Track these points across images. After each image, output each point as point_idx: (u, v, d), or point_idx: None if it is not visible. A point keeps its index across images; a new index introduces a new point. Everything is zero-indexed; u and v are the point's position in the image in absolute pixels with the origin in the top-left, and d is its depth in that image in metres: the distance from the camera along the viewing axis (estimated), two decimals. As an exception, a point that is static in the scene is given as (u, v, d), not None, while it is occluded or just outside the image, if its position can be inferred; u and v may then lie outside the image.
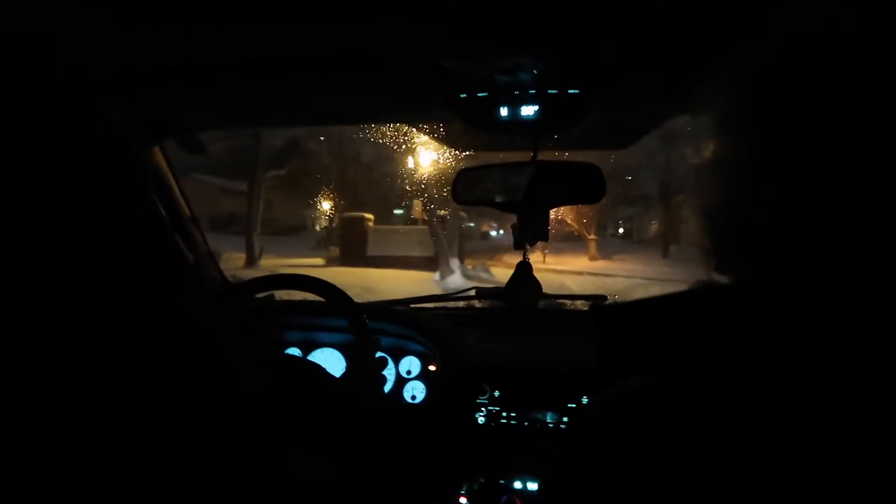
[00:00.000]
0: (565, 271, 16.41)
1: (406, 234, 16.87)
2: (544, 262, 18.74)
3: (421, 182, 13.51)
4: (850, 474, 0.36)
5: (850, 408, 0.38)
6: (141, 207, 0.68)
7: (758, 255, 0.45)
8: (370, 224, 16.71)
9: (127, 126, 0.69)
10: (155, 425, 0.60)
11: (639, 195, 23.96)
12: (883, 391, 0.37)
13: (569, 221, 23.55)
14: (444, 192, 12.39)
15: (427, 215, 14.24)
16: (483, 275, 14.19)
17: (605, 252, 23.04)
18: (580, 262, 20.16)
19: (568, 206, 18.18)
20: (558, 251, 20.45)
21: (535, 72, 1.10)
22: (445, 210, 14.16)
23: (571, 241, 23.61)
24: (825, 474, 0.37)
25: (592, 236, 23.62)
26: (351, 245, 16.24)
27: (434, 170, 13.07)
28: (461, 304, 1.89)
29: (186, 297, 0.74)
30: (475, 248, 25.01)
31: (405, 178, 14.67)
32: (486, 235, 30.65)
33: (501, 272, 14.74)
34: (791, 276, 0.42)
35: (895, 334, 0.38)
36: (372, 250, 16.07)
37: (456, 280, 12.03)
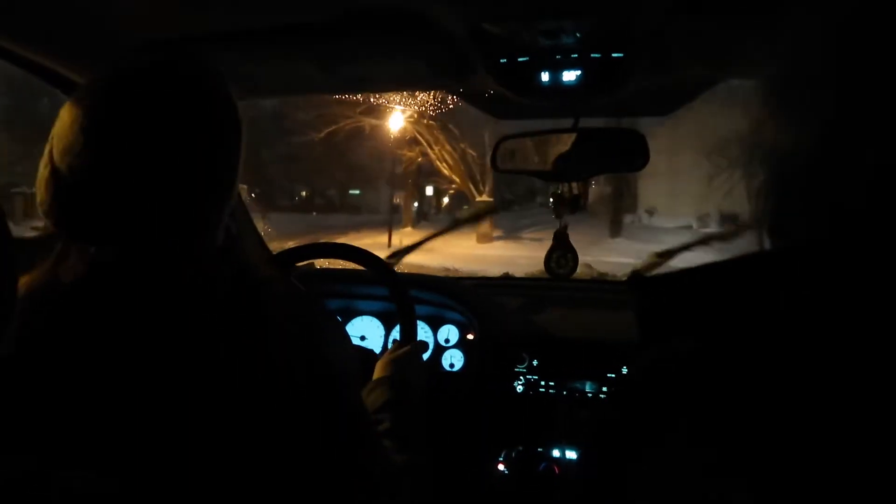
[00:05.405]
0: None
1: None
2: (389, 245, 14.15)
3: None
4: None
5: None
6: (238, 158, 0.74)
7: (817, 221, 0.42)
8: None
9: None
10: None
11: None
12: None
13: (445, 171, 16.10)
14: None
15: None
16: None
17: (512, 228, 17.15)
18: (462, 247, 13.86)
19: (451, 148, 15.25)
20: (429, 221, 14.88)
21: (577, 35, 1.07)
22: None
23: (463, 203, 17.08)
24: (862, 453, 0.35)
25: (484, 198, 16.04)
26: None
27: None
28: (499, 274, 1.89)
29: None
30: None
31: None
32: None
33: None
34: (858, 242, 0.39)
35: None
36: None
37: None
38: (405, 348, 1.16)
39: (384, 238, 15.22)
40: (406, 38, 1.11)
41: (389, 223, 16.18)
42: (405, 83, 1.45)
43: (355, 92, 1.48)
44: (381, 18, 1.03)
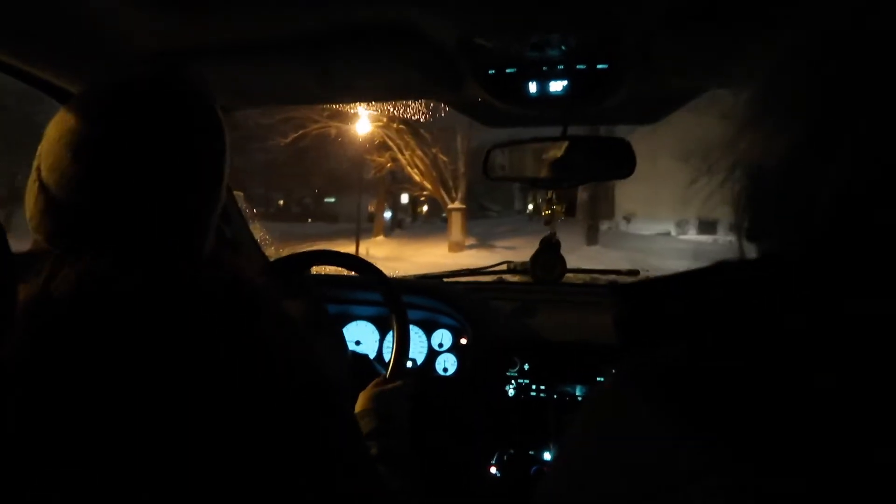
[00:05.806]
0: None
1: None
2: (357, 251, 13.43)
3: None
4: None
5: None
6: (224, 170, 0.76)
7: (795, 228, 0.44)
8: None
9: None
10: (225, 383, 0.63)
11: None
12: None
13: (416, 177, 15.65)
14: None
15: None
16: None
17: (487, 235, 16.30)
18: (433, 255, 13.99)
19: (423, 153, 15.11)
20: (403, 230, 13.67)
21: (563, 47, 1.10)
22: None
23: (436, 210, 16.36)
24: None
25: (457, 205, 15.59)
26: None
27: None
28: (492, 278, 1.91)
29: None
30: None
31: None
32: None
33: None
34: (835, 250, 0.40)
35: None
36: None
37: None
38: (392, 384, 1.17)
39: (352, 248, 14.63)
40: (398, 50, 1.13)
41: (357, 232, 15.61)
42: (397, 93, 1.47)
43: (348, 101, 1.50)
44: (375, 31, 1.06)
